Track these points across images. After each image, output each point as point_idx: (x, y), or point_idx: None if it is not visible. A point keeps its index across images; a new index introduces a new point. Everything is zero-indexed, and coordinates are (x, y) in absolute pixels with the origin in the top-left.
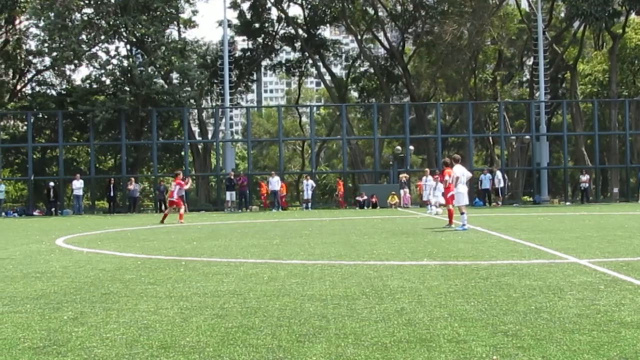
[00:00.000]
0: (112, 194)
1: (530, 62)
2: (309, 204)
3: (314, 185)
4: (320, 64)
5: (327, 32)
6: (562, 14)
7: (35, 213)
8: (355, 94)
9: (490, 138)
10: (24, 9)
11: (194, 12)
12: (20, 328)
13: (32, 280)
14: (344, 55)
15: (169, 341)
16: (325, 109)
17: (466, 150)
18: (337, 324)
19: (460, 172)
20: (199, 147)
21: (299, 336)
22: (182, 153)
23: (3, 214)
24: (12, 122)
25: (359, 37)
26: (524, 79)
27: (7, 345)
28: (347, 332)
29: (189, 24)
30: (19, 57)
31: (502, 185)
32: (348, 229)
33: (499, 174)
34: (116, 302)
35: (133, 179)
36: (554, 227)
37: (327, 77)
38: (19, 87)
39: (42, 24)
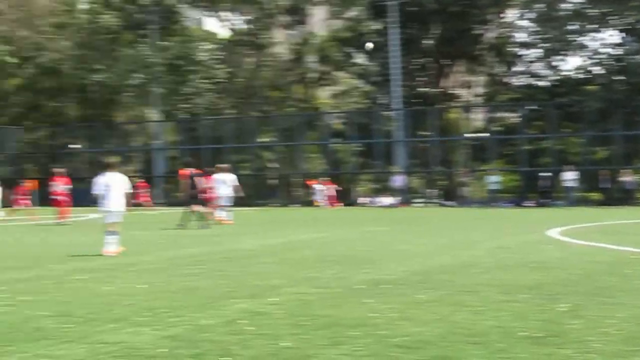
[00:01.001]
0: (606, 185)
1: None
2: None
3: None
4: None
5: None
6: None
7: (526, 204)
8: None
9: None
10: (513, 2)
11: None
12: (516, 317)
13: (527, 270)
14: None
15: None
16: None
17: None
18: None
19: None
20: None
21: None
22: None
23: (497, 204)
24: (504, 114)
25: None
26: None
27: (504, 333)
28: None
29: None
30: (508, 50)
31: None
32: None
33: None
34: (612, 296)
35: (627, 170)
36: None
37: None
38: (509, 79)
39: (531, 15)
